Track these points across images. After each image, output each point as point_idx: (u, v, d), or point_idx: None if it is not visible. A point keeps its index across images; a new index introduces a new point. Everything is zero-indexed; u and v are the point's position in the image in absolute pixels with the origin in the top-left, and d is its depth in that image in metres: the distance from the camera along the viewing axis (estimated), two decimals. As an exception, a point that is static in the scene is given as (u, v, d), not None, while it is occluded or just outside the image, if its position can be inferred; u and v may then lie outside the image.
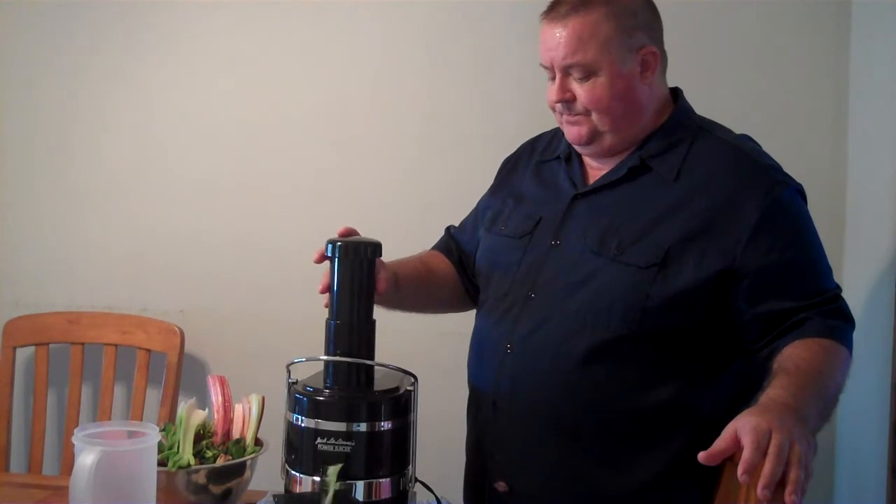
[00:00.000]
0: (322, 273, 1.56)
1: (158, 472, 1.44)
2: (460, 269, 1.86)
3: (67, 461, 2.35)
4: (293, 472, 1.47)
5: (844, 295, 1.56)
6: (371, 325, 1.51)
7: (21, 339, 2.48)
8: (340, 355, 1.48)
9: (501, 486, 1.62)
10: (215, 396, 1.64)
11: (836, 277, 1.58)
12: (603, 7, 1.54)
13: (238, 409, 1.64)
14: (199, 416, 1.61)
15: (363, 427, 1.44)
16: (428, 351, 2.08)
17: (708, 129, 1.64)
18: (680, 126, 1.63)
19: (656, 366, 1.54)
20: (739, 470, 1.17)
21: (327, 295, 1.53)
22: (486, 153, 1.95)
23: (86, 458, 1.34)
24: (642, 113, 1.60)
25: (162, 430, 1.53)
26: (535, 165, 1.78)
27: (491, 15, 2.34)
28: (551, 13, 1.58)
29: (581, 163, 1.69)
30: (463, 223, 1.90)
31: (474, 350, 1.73)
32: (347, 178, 2.43)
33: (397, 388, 1.49)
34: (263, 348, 2.41)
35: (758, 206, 1.50)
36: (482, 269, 1.75)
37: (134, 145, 2.53)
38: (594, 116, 1.58)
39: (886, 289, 1.81)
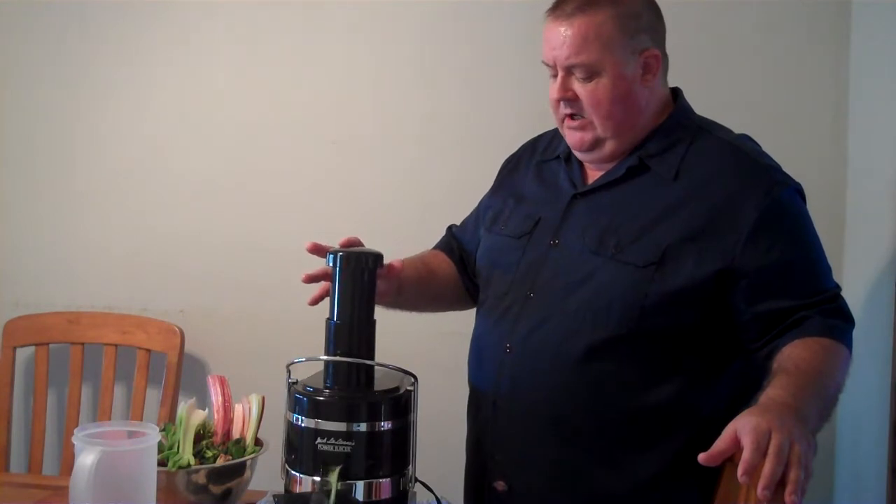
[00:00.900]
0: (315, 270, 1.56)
1: (158, 472, 1.44)
2: (461, 269, 1.86)
3: (67, 461, 2.35)
4: (293, 472, 1.47)
5: (844, 295, 1.55)
6: (371, 325, 1.51)
7: (21, 339, 2.48)
8: (340, 355, 1.48)
9: (501, 485, 1.62)
10: (215, 396, 1.64)
11: (836, 277, 1.58)
12: (608, 8, 1.54)
13: (238, 409, 1.64)
14: (199, 416, 1.61)
15: (363, 427, 1.44)
16: (428, 351, 2.08)
17: (707, 129, 1.64)
18: (679, 126, 1.63)
19: (655, 365, 1.54)
20: (739, 470, 1.17)
21: (315, 295, 1.55)
22: (486, 153, 1.95)
23: (86, 458, 1.34)
24: (641, 116, 1.60)
25: (162, 430, 1.53)
26: (536, 165, 1.78)
27: (491, 15, 2.34)
28: (556, 11, 1.57)
29: (580, 162, 1.69)
30: (464, 222, 1.91)
31: (474, 350, 1.73)
32: (347, 178, 2.43)
33: (397, 388, 1.49)
34: (263, 348, 2.41)
35: (757, 205, 1.50)
36: (482, 269, 1.75)
37: (134, 146, 2.53)
38: (596, 123, 1.58)
39: (886, 289, 1.81)
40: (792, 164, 1.62)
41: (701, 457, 1.22)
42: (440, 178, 2.37)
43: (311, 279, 1.61)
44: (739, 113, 2.18)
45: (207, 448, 1.58)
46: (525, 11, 1.79)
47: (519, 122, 1.97)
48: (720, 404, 1.56)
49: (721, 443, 1.23)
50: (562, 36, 1.55)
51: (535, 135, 1.85)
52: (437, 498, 1.58)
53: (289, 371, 1.53)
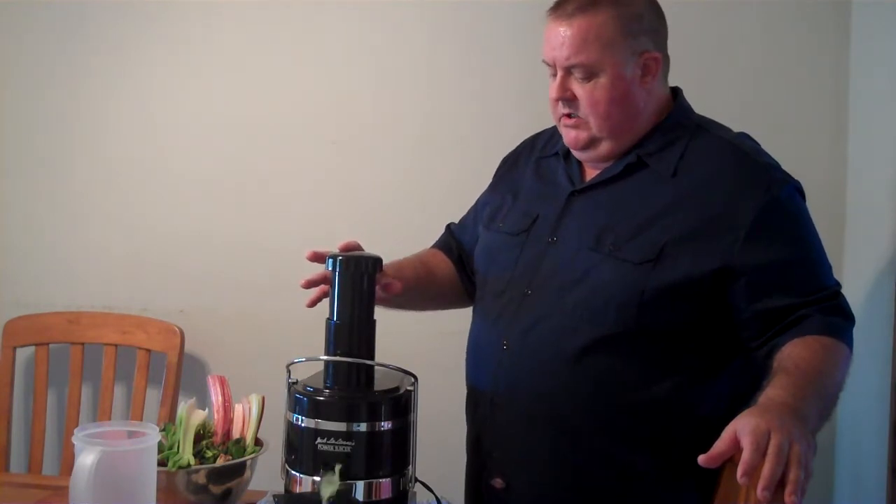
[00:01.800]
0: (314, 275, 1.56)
1: (158, 472, 1.44)
2: (460, 267, 1.86)
3: (67, 461, 2.35)
4: (293, 472, 1.47)
5: (844, 294, 1.55)
6: (371, 325, 1.51)
7: (21, 339, 2.48)
8: (340, 355, 1.48)
9: (499, 482, 1.62)
10: (215, 396, 1.64)
11: (836, 277, 1.58)
12: (609, 9, 1.54)
13: (238, 409, 1.64)
14: (199, 416, 1.61)
15: (363, 427, 1.44)
16: (428, 351, 2.07)
17: (706, 128, 1.64)
18: (678, 125, 1.63)
19: (654, 363, 1.54)
20: (739, 471, 1.17)
21: (312, 297, 1.57)
22: (486, 153, 1.95)
23: (86, 458, 1.34)
24: (638, 117, 1.60)
25: (162, 430, 1.53)
26: (535, 162, 1.78)
27: (491, 15, 2.34)
28: (557, 11, 1.57)
29: (579, 160, 1.69)
30: (463, 220, 1.91)
31: (471, 348, 1.73)
32: (347, 178, 2.43)
33: (397, 388, 1.49)
34: (263, 348, 2.41)
35: (756, 204, 1.50)
36: (480, 267, 1.75)
37: (134, 146, 2.53)
38: (592, 122, 1.58)
39: (886, 289, 1.81)
40: (792, 164, 1.62)
41: (701, 458, 1.22)
42: (440, 178, 2.37)
43: (310, 284, 1.61)
44: (739, 113, 2.18)
45: (207, 448, 1.58)
46: (525, 11, 1.79)
47: (519, 121, 1.96)
48: (720, 403, 1.55)
49: (721, 444, 1.22)
50: (561, 36, 1.55)
51: (537, 131, 1.85)
52: (437, 498, 1.58)
53: (289, 371, 1.53)
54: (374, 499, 1.44)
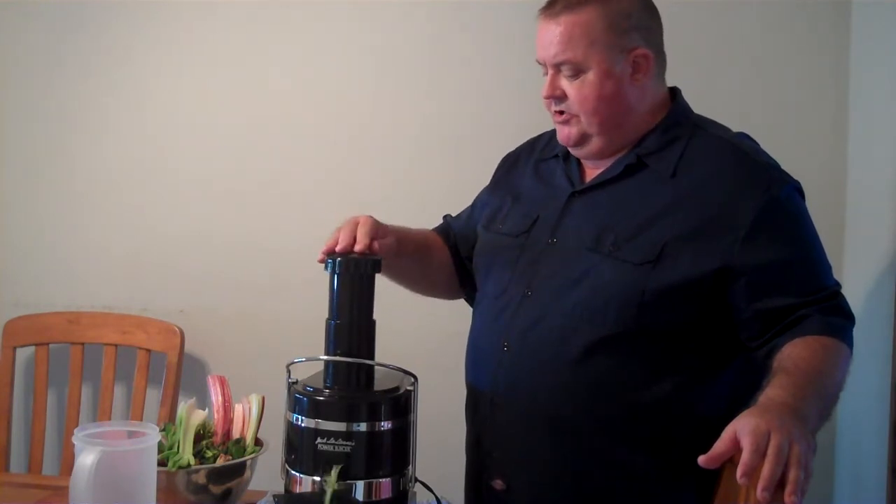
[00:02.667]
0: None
1: (158, 472, 1.44)
2: (454, 253, 1.86)
3: (67, 461, 2.35)
4: (293, 472, 1.47)
5: (844, 294, 1.55)
6: (371, 325, 1.51)
7: (21, 339, 2.48)
8: (340, 355, 1.48)
9: (499, 483, 1.63)
10: (215, 396, 1.64)
11: (836, 277, 1.58)
12: (597, 6, 1.55)
13: (238, 409, 1.64)
14: (199, 416, 1.61)
15: (363, 427, 1.44)
16: (428, 351, 2.07)
17: (704, 128, 1.63)
18: (676, 124, 1.63)
19: (654, 363, 1.54)
20: (738, 472, 1.17)
21: (326, 247, 1.54)
22: (487, 153, 1.95)
23: (86, 458, 1.34)
24: (630, 115, 1.60)
25: (162, 430, 1.53)
26: (535, 164, 1.78)
27: (491, 15, 2.34)
28: (546, 10, 1.59)
29: (579, 161, 1.69)
30: (460, 214, 1.91)
31: (471, 349, 1.73)
32: (348, 178, 2.43)
33: (397, 388, 1.49)
34: (263, 348, 2.41)
35: (755, 204, 1.50)
36: (480, 267, 1.75)
37: (134, 145, 2.53)
38: (582, 118, 1.59)
39: (886, 289, 1.81)
40: (792, 164, 1.62)
41: (701, 459, 1.22)
42: (440, 178, 2.37)
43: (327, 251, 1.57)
44: (740, 113, 2.18)
45: (207, 448, 1.58)
46: (525, 11, 1.78)
47: (519, 122, 1.97)
48: (720, 403, 1.55)
49: (720, 444, 1.22)
50: (550, 34, 1.57)
51: (535, 135, 1.85)
52: (437, 498, 1.58)
53: (289, 371, 1.53)
54: (374, 499, 1.44)
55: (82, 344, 2.47)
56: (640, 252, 1.53)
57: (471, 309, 1.81)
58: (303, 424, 1.46)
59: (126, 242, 2.54)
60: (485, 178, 1.89)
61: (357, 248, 1.52)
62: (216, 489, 1.55)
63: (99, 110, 2.54)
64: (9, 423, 2.46)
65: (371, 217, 1.60)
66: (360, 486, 1.43)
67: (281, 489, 1.50)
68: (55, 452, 2.51)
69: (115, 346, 2.46)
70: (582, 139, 1.61)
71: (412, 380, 1.52)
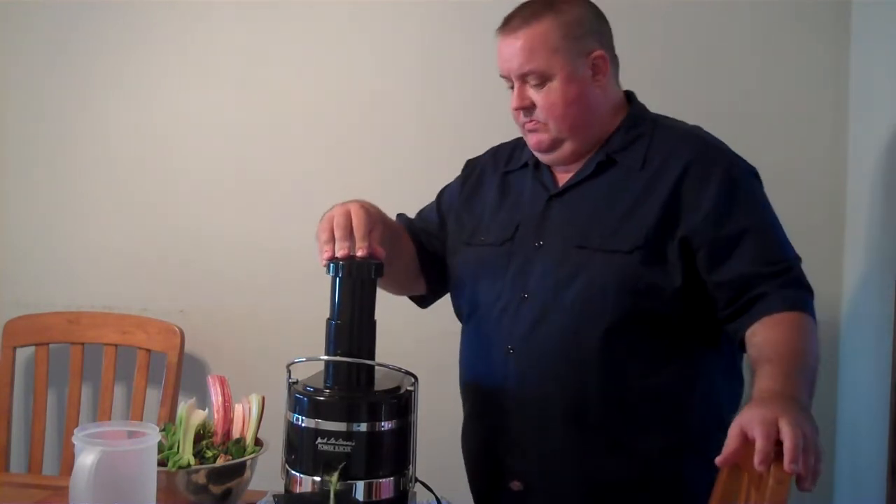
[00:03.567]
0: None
1: (158, 472, 1.44)
2: (418, 245, 1.86)
3: (67, 461, 2.34)
4: (293, 472, 1.47)
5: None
6: (372, 325, 1.51)
7: (21, 339, 2.48)
8: (341, 355, 1.48)
9: (517, 485, 1.64)
10: (215, 396, 1.64)
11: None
12: (551, 18, 1.63)
13: (238, 409, 1.64)
14: (199, 416, 1.61)
15: (363, 427, 1.44)
16: (428, 351, 2.07)
17: (663, 123, 1.72)
18: (637, 123, 1.70)
19: (660, 347, 1.60)
20: (757, 460, 1.20)
21: (327, 253, 1.53)
22: (486, 153, 1.95)
23: (86, 458, 1.34)
24: (596, 115, 1.68)
25: (162, 430, 1.53)
26: (502, 176, 1.82)
27: (491, 15, 2.33)
28: (505, 28, 1.68)
29: (549, 167, 1.74)
30: (421, 212, 1.93)
31: (471, 359, 1.75)
32: (348, 178, 2.43)
33: (397, 388, 1.49)
34: (263, 348, 2.41)
35: (715, 182, 1.59)
36: (466, 281, 1.76)
37: (134, 146, 2.53)
38: (552, 125, 1.65)
39: (886, 289, 1.81)
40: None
41: (717, 460, 1.27)
42: (440, 178, 2.36)
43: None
44: (740, 113, 2.19)
45: (207, 448, 1.58)
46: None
47: (516, 124, 1.96)
48: (732, 381, 1.65)
49: (731, 442, 1.27)
50: (511, 48, 1.65)
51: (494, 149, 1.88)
52: (437, 498, 1.58)
53: (289, 371, 1.53)
54: (374, 499, 1.44)
55: (82, 344, 2.47)
56: (628, 240, 1.59)
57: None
58: (303, 424, 1.46)
59: (126, 242, 2.54)
60: (485, 178, 1.88)
61: (359, 253, 1.52)
62: (216, 489, 1.55)
63: (99, 110, 2.54)
64: (9, 423, 2.46)
65: (361, 206, 1.59)
66: (360, 486, 1.43)
67: (281, 489, 1.50)
68: (55, 452, 2.51)
69: (115, 346, 2.45)
70: (553, 144, 1.67)
71: (412, 380, 1.52)
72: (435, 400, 1.79)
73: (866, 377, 1.95)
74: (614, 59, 1.70)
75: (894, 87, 1.88)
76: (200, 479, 1.53)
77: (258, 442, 1.63)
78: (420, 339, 2.16)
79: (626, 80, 1.75)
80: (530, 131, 1.68)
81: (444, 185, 1.95)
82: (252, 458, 1.59)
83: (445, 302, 1.91)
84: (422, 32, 2.39)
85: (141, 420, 2.31)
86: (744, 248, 1.57)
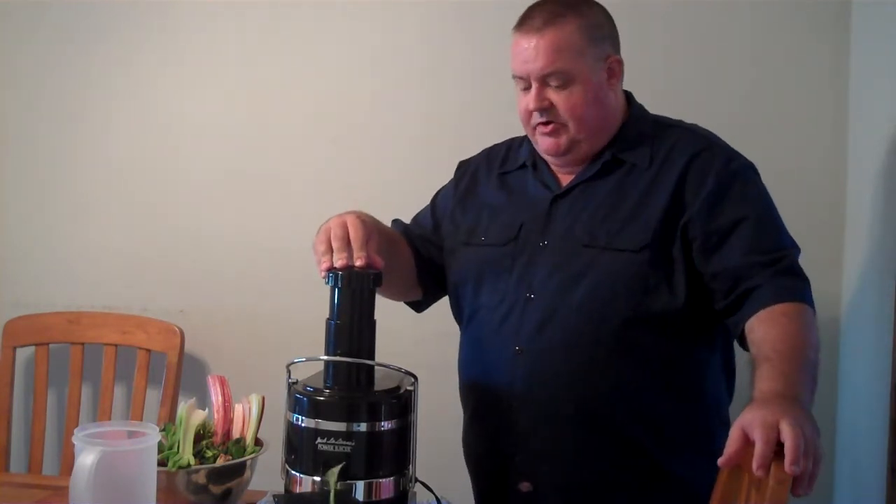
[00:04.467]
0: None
1: (158, 472, 1.44)
2: (416, 253, 1.86)
3: (67, 461, 2.34)
4: (293, 472, 1.47)
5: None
6: (371, 325, 1.51)
7: (21, 339, 2.48)
8: (340, 355, 1.48)
9: (525, 486, 1.64)
10: (215, 396, 1.64)
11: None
12: (575, 20, 1.63)
13: (238, 409, 1.64)
14: (199, 416, 1.61)
15: (363, 427, 1.44)
16: (428, 351, 2.07)
17: (664, 122, 1.74)
18: (640, 123, 1.73)
19: (669, 345, 1.61)
20: (755, 465, 1.21)
21: (326, 263, 1.53)
22: (486, 153, 1.94)
23: (86, 458, 1.34)
24: (611, 117, 1.70)
25: (162, 430, 1.53)
26: (498, 177, 1.82)
27: (491, 15, 2.34)
28: (524, 27, 1.65)
29: (550, 168, 1.75)
30: (416, 218, 1.93)
31: (472, 359, 1.75)
32: (348, 178, 2.43)
33: (397, 388, 1.49)
34: (263, 348, 2.41)
35: (714, 172, 1.61)
36: (468, 281, 1.76)
37: (134, 146, 2.53)
38: (571, 126, 1.65)
39: (886, 289, 1.81)
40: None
41: (720, 461, 1.28)
42: (440, 178, 2.36)
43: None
44: (740, 112, 2.19)
45: (207, 448, 1.58)
46: (523, 11, 1.79)
47: (518, 122, 1.96)
48: (731, 378, 1.67)
49: (732, 443, 1.27)
50: (534, 47, 1.63)
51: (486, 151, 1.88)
52: (437, 498, 1.58)
53: (289, 371, 1.54)
54: (374, 499, 1.45)
55: (82, 344, 2.47)
56: (635, 239, 1.60)
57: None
58: (303, 424, 1.46)
59: (126, 242, 2.54)
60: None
61: (358, 263, 1.52)
62: (216, 489, 1.55)
63: (99, 111, 2.55)
64: (9, 423, 2.46)
65: (357, 217, 1.58)
66: (360, 486, 1.43)
67: (281, 489, 1.50)
68: (55, 452, 2.51)
69: (115, 346, 2.45)
70: (570, 146, 1.67)
71: (412, 380, 1.52)
72: (435, 400, 1.79)
73: (866, 377, 1.95)
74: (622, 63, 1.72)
75: (894, 87, 1.88)
76: (200, 479, 1.53)
77: (258, 442, 1.63)
78: (420, 339, 2.16)
79: (627, 81, 1.75)
80: (545, 134, 1.67)
81: (443, 185, 1.95)
82: (252, 458, 1.59)
83: (445, 302, 1.91)
84: (422, 33, 2.39)
85: (141, 420, 2.31)
86: (738, 238, 1.58)
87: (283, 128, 2.46)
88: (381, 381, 1.51)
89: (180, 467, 1.53)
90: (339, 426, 1.44)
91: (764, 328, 1.49)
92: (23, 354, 2.52)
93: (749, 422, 1.26)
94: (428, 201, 1.95)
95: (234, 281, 2.49)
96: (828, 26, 2.18)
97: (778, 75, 2.22)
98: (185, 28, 2.49)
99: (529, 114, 1.67)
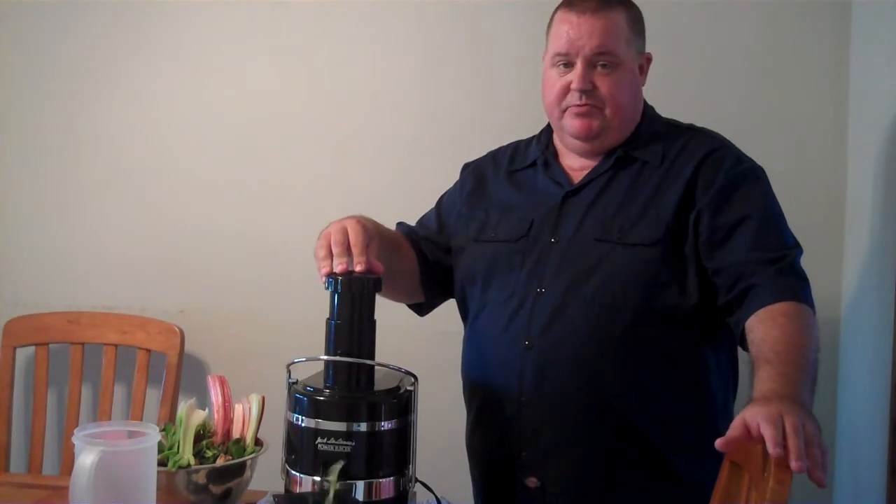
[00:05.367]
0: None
1: (158, 472, 1.44)
2: (420, 256, 1.86)
3: (67, 461, 2.34)
4: (293, 472, 1.47)
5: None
6: (371, 325, 1.51)
7: (21, 339, 2.48)
8: (341, 355, 1.48)
9: (533, 481, 1.64)
10: (215, 396, 1.64)
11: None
12: (624, 9, 1.69)
13: (238, 409, 1.64)
14: (199, 416, 1.61)
15: (363, 427, 1.44)
16: (428, 351, 2.07)
17: (675, 124, 1.77)
18: (653, 123, 1.76)
19: (679, 341, 1.62)
20: (770, 445, 1.21)
21: (326, 269, 1.54)
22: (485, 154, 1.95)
23: (86, 458, 1.34)
24: (637, 111, 1.74)
25: (162, 430, 1.53)
26: (508, 175, 1.82)
27: (491, 15, 2.34)
28: (577, 7, 1.67)
29: (561, 166, 1.76)
30: (422, 220, 1.93)
31: (478, 355, 1.75)
32: (348, 177, 2.43)
33: (397, 388, 1.50)
34: (263, 348, 2.41)
35: (723, 171, 1.64)
36: (477, 278, 1.76)
37: (134, 145, 2.53)
38: (608, 110, 1.68)
39: (886, 289, 1.81)
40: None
41: (718, 442, 1.28)
42: (440, 179, 2.36)
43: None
44: (740, 112, 2.19)
45: (207, 448, 1.58)
46: (526, 11, 1.78)
47: (519, 122, 1.96)
48: (735, 377, 1.70)
49: (733, 430, 1.28)
50: (588, 27, 1.65)
51: (531, 135, 1.87)
52: (437, 498, 1.58)
53: (289, 371, 1.54)
54: (374, 499, 1.45)
55: (82, 344, 2.47)
56: (648, 234, 1.62)
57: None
58: (303, 424, 1.46)
59: (126, 242, 2.54)
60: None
61: (357, 268, 1.52)
62: (216, 489, 1.55)
63: (99, 110, 2.54)
64: (9, 423, 2.46)
65: (358, 222, 1.58)
66: (360, 486, 1.43)
67: (281, 489, 1.50)
68: (55, 452, 2.51)
69: (115, 346, 2.45)
70: (601, 131, 1.69)
71: (412, 380, 1.52)
72: (435, 400, 1.79)
73: (866, 377, 1.95)
74: None
75: (894, 86, 1.88)
76: (200, 479, 1.53)
77: (258, 442, 1.63)
78: (420, 339, 2.16)
79: (626, 80, 1.75)
80: (581, 115, 1.68)
81: (444, 185, 1.95)
82: (252, 458, 1.59)
83: (446, 302, 1.91)
84: (422, 33, 2.39)
85: (141, 420, 2.31)
86: (742, 235, 1.59)
87: (283, 128, 2.46)
88: (381, 381, 1.51)
89: (180, 467, 1.53)
90: (339, 426, 1.44)
91: (763, 328, 1.50)
92: (23, 354, 2.52)
93: (752, 415, 1.27)
94: (428, 202, 1.95)
95: (234, 281, 2.49)
96: (828, 26, 2.18)
97: (778, 75, 2.22)
98: (184, 28, 2.49)
99: (565, 94, 1.68)
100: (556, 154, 1.78)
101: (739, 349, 1.67)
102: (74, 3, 2.53)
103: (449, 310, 1.91)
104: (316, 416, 1.45)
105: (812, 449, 1.22)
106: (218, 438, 1.61)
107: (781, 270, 1.56)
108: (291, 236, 2.40)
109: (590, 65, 1.65)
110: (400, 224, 1.92)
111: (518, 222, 1.73)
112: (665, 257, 1.61)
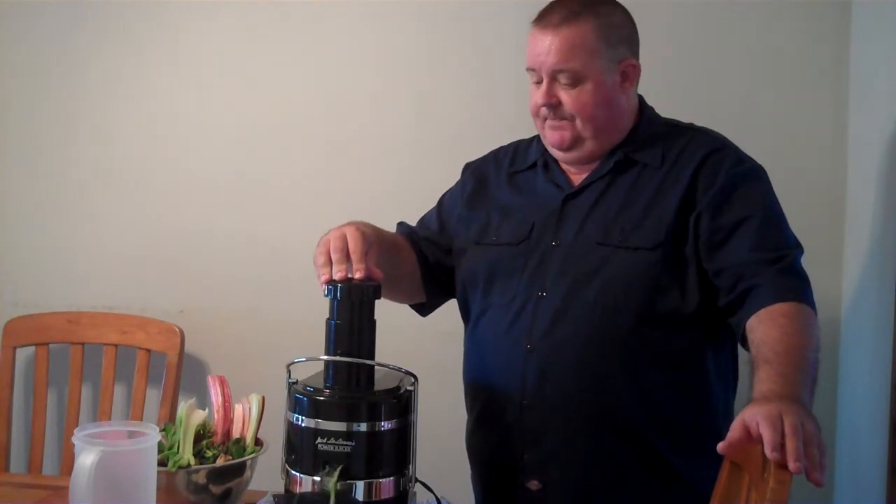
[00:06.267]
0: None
1: (158, 472, 1.44)
2: (422, 258, 1.86)
3: (67, 461, 2.34)
4: (293, 472, 1.47)
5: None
6: (371, 325, 1.51)
7: (21, 339, 2.48)
8: (341, 355, 1.48)
9: (534, 484, 1.64)
10: (215, 396, 1.64)
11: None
12: (592, 20, 1.64)
13: (238, 409, 1.64)
14: (199, 416, 1.61)
15: (363, 427, 1.44)
16: (428, 351, 2.08)
17: (675, 124, 1.76)
18: (652, 124, 1.74)
19: (681, 343, 1.62)
20: (768, 448, 1.21)
21: (325, 276, 1.54)
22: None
23: (86, 458, 1.34)
24: (620, 121, 1.70)
25: (162, 430, 1.53)
26: (508, 177, 1.82)
27: (491, 16, 2.34)
28: (542, 21, 1.66)
29: (561, 168, 1.75)
30: (423, 220, 1.92)
31: (480, 357, 1.75)
32: (348, 178, 2.43)
33: (397, 388, 1.50)
34: (263, 348, 2.41)
35: (724, 171, 1.63)
36: (477, 279, 1.76)
37: (134, 145, 2.53)
38: (578, 122, 1.67)
39: (886, 289, 1.81)
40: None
41: (719, 446, 1.28)
42: (440, 178, 2.36)
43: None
44: (740, 112, 2.19)
45: (207, 448, 1.58)
46: (525, 12, 1.78)
47: (518, 122, 1.96)
48: (736, 379, 1.70)
49: (733, 432, 1.28)
50: (548, 44, 1.64)
51: (532, 135, 1.86)
52: (437, 498, 1.58)
53: (289, 371, 1.54)
54: (374, 499, 1.45)
55: (82, 344, 2.47)
56: (649, 237, 1.61)
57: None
58: (303, 424, 1.46)
59: (126, 242, 2.54)
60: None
61: (357, 276, 1.52)
62: (216, 489, 1.55)
63: (99, 110, 2.54)
64: (9, 423, 2.46)
65: (357, 229, 1.58)
66: (360, 486, 1.43)
67: (281, 489, 1.51)
68: (55, 452, 2.51)
69: (115, 346, 2.45)
70: (574, 143, 1.69)
71: (412, 380, 1.52)
72: (435, 400, 1.79)
73: (866, 377, 1.95)
74: (639, 66, 1.73)
75: (894, 86, 1.88)
76: (200, 479, 1.53)
77: (258, 442, 1.63)
78: (420, 340, 2.16)
79: (627, 80, 1.75)
80: (553, 128, 1.69)
81: (444, 185, 1.95)
82: (252, 458, 1.59)
83: (446, 302, 1.91)
84: (422, 33, 2.39)
85: (141, 420, 2.31)
86: (742, 235, 1.59)
87: (283, 127, 2.46)
88: (381, 381, 1.51)
89: (180, 467, 1.53)
90: (339, 426, 1.44)
91: (763, 329, 1.50)
92: (23, 354, 2.52)
93: (752, 415, 1.27)
94: (428, 202, 1.95)
95: (234, 281, 2.49)
96: (828, 26, 2.18)
97: (778, 75, 2.22)
98: (184, 28, 2.49)
99: (538, 108, 1.69)
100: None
101: (740, 349, 1.67)
102: (74, 3, 2.53)
103: (449, 310, 1.91)
104: (316, 416, 1.45)
105: (811, 449, 1.22)
106: (218, 438, 1.61)
107: (782, 270, 1.56)
108: (291, 236, 2.40)
109: (553, 80, 1.66)
110: (400, 224, 1.92)
111: (519, 225, 1.73)
112: (666, 260, 1.61)
